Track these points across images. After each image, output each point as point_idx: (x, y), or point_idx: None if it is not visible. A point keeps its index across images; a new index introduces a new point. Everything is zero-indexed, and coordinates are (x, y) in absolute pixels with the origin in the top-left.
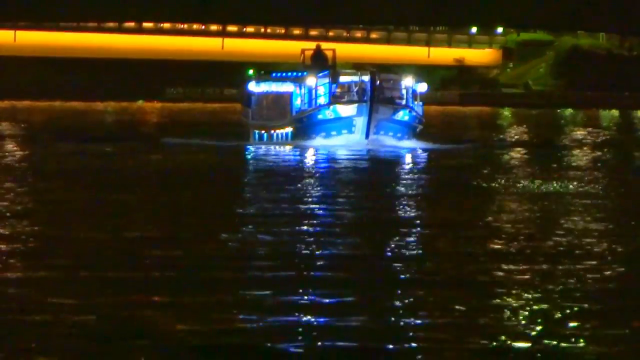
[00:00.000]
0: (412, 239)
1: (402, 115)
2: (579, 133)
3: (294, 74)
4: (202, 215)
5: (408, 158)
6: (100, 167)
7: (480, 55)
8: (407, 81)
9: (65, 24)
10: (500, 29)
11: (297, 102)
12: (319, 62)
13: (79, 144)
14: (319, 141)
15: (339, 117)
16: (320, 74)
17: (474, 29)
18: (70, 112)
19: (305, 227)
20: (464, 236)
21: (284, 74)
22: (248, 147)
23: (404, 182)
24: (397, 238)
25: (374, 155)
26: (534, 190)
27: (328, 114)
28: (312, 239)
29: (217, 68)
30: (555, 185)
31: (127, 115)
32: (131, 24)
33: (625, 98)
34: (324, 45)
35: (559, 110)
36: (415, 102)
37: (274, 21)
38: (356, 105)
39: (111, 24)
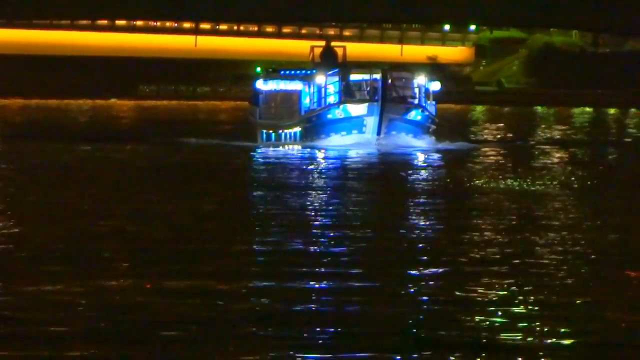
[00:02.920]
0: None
1: (415, 115)
2: (552, 131)
3: (303, 71)
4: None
5: (420, 159)
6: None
7: (453, 53)
8: (420, 79)
9: (38, 22)
10: (473, 27)
11: (306, 101)
12: (329, 60)
13: (52, 142)
14: (328, 141)
15: (349, 117)
16: (330, 72)
17: (447, 27)
18: (45, 110)
19: (309, 235)
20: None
21: (292, 72)
22: (256, 147)
23: (414, 185)
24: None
25: (385, 156)
26: (507, 190)
27: (338, 113)
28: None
29: (190, 66)
30: (525, 183)
31: (102, 113)
32: (104, 22)
33: (598, 95)
34: (294, 43)
35: (532, 108)
36: (428, 101)
37: (247, 19)
38: (367, 104)
39: (84, 22)
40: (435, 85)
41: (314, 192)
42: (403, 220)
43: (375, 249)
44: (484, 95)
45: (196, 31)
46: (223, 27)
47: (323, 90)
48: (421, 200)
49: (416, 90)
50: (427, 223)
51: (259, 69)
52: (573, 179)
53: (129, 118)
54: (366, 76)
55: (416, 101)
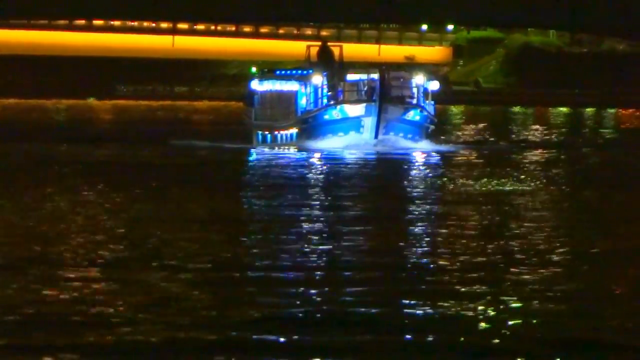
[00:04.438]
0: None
1: (413, 115)
2: (530, 131)
3: (299, 71)
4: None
5: (419, 160)
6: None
7: (430, 53)
8: (418, 79)
9: (16, 21)
10: (450, 27)
11: (303, 101)
12: (325, 59)
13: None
14: (325, 143)
15: (346, 117)
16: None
17: (424, 27)
18: (22, 109)
19: (304, 238)
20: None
21: (288, 72)
22: (251, 149)
23: (412, 187)
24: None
25: (383, 158)
26: (484, 191)
27: (335, 114)
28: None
29: (168, 66)
30: (502, 185)
31: (80, 113)
32: (82, 22)
33: (575, 95)
34: (271, 43)
35: (509, 108)
36: (427, 101)
37: (224, 19)
38: (364, 104)
39: (62, 22)
40: (434, 85)
41: (308, 195)
42: (397, 223)
43: (367, 251)
44: (462, 95)
45: (174, 31)
46: (200, 27)
47: (320, 90)
48: (413, 202)
49: (414, 90)
50: (419, 227)
51: (254, 69)
52: (554, 179)
53: (107, 118)
54: (364, 76)
55: (414, 101)
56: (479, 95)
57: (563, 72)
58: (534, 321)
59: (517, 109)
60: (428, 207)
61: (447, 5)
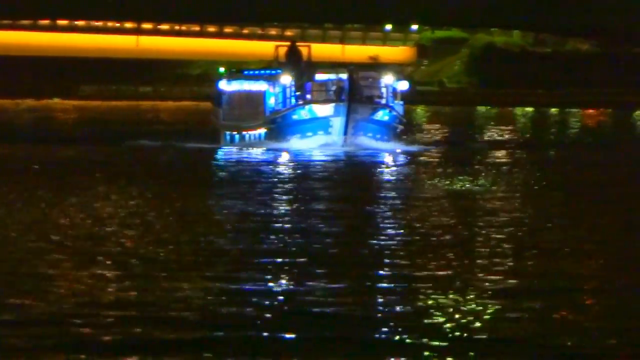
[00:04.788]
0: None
1: (382, 115)
2: (493, 131)
3: (268, 71)
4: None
5: (387, 160)
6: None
7: (394, 53)
8: (387, 79)
9: None
10: (414, 26)
11: (271, 101)
12: (294, 59)
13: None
14: (294, 143)
15: (315, 118)
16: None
17: (388, 27)
18: None
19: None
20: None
21: (256, 72)
22: (218, 149)
23: (379, 186)
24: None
25: (352, 158)
26: (449, 190)
27: (303, 114)
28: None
29: (132, 66)
30: (466, 184)
31: (43, 113)
32: (46, 22)
33: (539, 95)
34: (235, 43)
35: (473, 108)
36: (396, 101)
37: (188, 19)
38: (333, 104)
39: (25, 22)
40: (403, 85)
41: (275, 194)
42: (364, 223)
43: (337, 251)
44: (426, 95)
45: (138, 31)
46: (164, 27)
47: (288, 90)
48: (380, 201)
49: (383, 90)
50: (388, 225)
51: (221, 69)
52: (518, 178)
53: (71, 118)
54: (332, 76)
55: (383, 101)
56: (443, 96)
57: (527, 72)
58: (506, 318)
59: (481, 109)
60: (395, 206)
61: (411, 5)
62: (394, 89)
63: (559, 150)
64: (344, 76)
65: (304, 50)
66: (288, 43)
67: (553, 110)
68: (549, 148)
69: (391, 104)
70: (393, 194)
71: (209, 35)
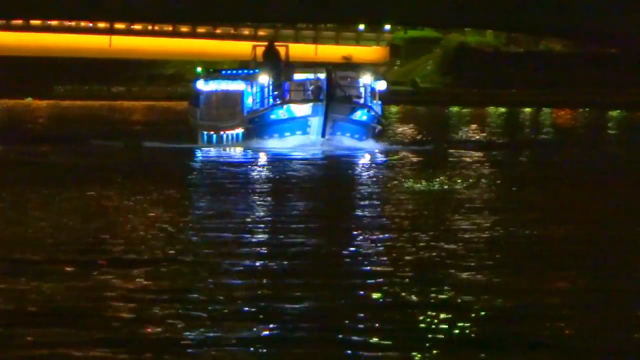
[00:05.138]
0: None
1: (360, 115)
2: (467, 131)
3: (246, 71)
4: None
5: (365, 160)
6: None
7: (367, 53)
8: (366, 79)
9: None
10: (387, 26)
11: (249, 101)
12: (272, 59)
13: None
14: (272, 143)
15: (293, 117)
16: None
17: (361, 26)
18: None
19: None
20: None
21: (234, 72)
22: (196, 149)
23: (357, 186)
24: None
25: (330, 158)
26: (426, 189)
27: (281, 113)
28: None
29: (105, 65)
30: (441, 183)
31: (19, 113)
32: (19, 22)
33: (512, 95)
34: (208, 43)
35: (446, 108)
36: (374, 101)
37: (161, 18)
38: (311, 104)
39: None
40: (381, 85)
41: (253, 193)
42: (339, 222)
43: (311, 251)
44: (399, 95)
45: (111, 31)
46: (137, 27)
47: (266, 90)
48: (357, 201)
49: (362, 89)
50: (363, 224)
51: (199, 69)
52: (492, 178)
53: (44, 118)
54: (310, 75)
55: (362, 101)
56: (416, 95)
57: (500, 72)
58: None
59: (454, 108)
60: (372, 205)
61: (384, 5)
62: (372, 89)
63: (530, 150)
64: (322, 76)
65: (281, 50)
66: (266, 43)
67: (526, 110)
68: (521, 148)
69: (370, 104)
70: (370, 193)
71: (182, 35)
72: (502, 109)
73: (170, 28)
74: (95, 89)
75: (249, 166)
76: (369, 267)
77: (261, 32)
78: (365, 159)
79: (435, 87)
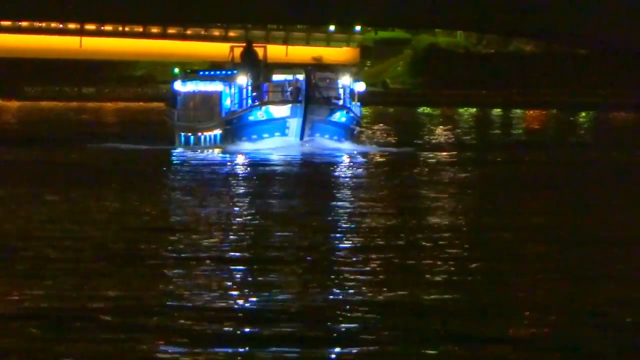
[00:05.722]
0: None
1: (339, 117)
2: (437, 132)
3: (224, 72)
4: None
5: (343, 162)
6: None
7: (338, 54)
8: (345, 80)
9: None
10: (358, 27)
11: (227, 102)
12: (250, 60)
13: None
14: (250, 144)
15: (271, 119)
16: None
17: (332, 27)
18: None
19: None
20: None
21: (212, 73)
22: (173, 151)
23: (335, 187)
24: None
25: (308, 159)
26: (400, 191)
27: (260, 115)
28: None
29: (75, 66)
30: (415, 184)
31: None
32: None
33: (483, 96)
34: (178, 44)
35: (417, 109)
36: (353, 103)
37: (131, 20)
38: (290, 105)
39: None
40: (360, 86)
41: (230, 195)
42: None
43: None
44: (369, 96)
45: (81, 32)
46: (108, 28)
47: (244, 91)
48: (335, 202)
49: (341, 91)
50: (340, 224)
51: (176, 69)
52: (462, 180)
53: (13, 119)
54: (289, 77)
55: (341, 102)
56: (387, 96)
57: (470, 72)
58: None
59: (424, 109)
60: (349, 205)
61: (355, 6)
62: (351, 90)
63: (501, 151)
64: (301, 77)
65: (259, 51)
66: (243, 44)
67: (496, 110)
68: (490, 148)
69: (348, 106)
70: (348, 194)
71: (153, 36)
72: (473, 110)
73: (141, 29)
74: (65, 90)
75: (227, 168)
76: (345, 267)
77: (232, 33)
78: (344, 161)
79: (405, 88)
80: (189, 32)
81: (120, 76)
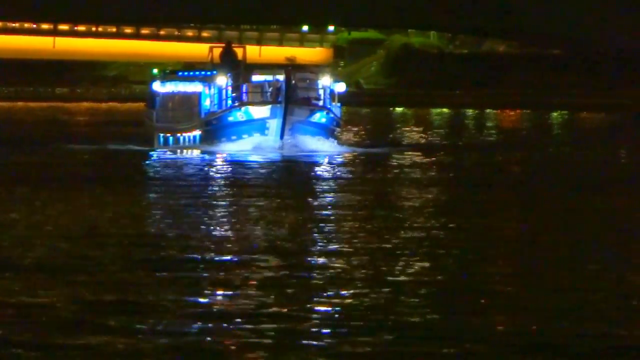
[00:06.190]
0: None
1: (319, 117)
2: (411, 132)
3: (203, 73)
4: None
5: (323, 162)
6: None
7: (311, 54)
8: (325, 80)
9: None
10: (331, 28)
11: (206, 103)
12: (229, 60)
13: None
14: (229, 145)
15: (251, 119)
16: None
17: (305, 28)
18: None
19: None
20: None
21: (191, 73)
22: (151, 152)
23: (315, 188)
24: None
25: (288, 160)
26: (376, 190)
27: (239, 115)
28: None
29: (49, 67)
30: (389, 184)
31: None
32: None
33: (456, 96)
34: (151, 44)
35: (390, 109)
36: (333, 103)
37: (105, 20)
38: (270, 106)
39: None
40: (341, 87)
41: (209, 195)
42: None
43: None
44: (343, 96)
45: (54, 32)
46: (81, 28)
47: (224, 92)
48: (314, 202)
49: (321, 91)
50: (318, 223)
51: (155, 70)
52: (442, 180)
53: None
54: (269, 77)
55: (321, 103)
56: (360, 97)
57: (443, 73)
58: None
59: (398, 109)
60: (328, 206)
61: (328, 6)
62: (332, 91)
63: (474, 151)
64: (281, 77)
65: (239, 52)
66: (223, 44)
67: (470, 111)
68: (462, 149)
69: (329, 106)
70: (327, 194)
71: (126, 37)
72: (446, 110)
73: (114, 29)
74: (38, 90)
75: (207, 168)
76: (324, 264)
77: (205, 34)
78: (324, 161)
79: (379, 88)
80: (162, 32)
81: (93, 76)
